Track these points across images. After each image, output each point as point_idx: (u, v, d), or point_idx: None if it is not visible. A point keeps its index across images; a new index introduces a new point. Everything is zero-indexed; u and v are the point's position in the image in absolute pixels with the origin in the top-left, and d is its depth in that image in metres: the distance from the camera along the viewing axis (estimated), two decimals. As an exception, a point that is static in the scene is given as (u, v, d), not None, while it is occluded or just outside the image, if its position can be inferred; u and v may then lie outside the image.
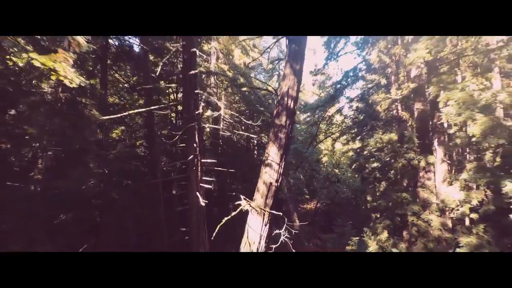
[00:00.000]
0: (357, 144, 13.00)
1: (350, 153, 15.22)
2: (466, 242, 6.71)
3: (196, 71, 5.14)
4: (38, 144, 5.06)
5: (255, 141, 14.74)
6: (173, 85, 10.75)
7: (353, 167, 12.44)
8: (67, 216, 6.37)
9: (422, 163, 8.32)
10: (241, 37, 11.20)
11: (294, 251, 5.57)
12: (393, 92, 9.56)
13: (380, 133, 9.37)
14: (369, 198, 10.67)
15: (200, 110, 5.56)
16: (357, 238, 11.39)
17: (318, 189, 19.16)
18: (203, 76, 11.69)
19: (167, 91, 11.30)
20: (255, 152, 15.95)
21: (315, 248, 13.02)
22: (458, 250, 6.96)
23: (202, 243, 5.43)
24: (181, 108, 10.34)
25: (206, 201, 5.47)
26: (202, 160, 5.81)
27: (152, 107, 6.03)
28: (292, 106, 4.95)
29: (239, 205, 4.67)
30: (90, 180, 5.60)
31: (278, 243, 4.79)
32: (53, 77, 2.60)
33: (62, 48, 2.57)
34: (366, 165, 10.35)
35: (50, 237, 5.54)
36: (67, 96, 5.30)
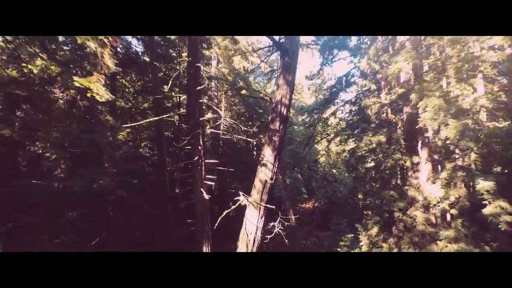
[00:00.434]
0: (350, 145, 13.66)
1: (344, 154, 15.86)
2: (445, 235, 7.39)
3: (201, 86, 5.80)
4: (60, 146, 5.71)
5: (254, 142, 15.39)
6: (177, 90, 11.43)
7: (346, 167, 13.06)
8: (82, 212, 7.04)
9: (408, 163, 9.00)
10: (241, 46, 11.81)
11: (286, 241, 6.27)
12: (383, 96, 10.21)
13: (370, 135, 10.03)
14: (360, 196, 11.33)
15: (205, 117, 6.23)
16: (352, 235, 12.03)
17: (316, 188, 19.78)
18: (206, 81, 12.34)
19: (169, 94, 11.96)
20: (254, 152, 16.61)
21: (312, 246, 13.61)
22: (438, 242, 7.63)
23: (206, 233, 6.10)
24: (185, 112, 11.01)
25: (210, 196, 6.15)
26: (206, 161, 6.48)
27: (163, 116, 6.66)
28: (285, 112, 5.61)
29: (238, 200, 5.34)
30: (104, 178, 6.25)
31: (272, 234, 5.48)
32: (88, 94, 3.25)
33: (97, 71, 3.20)
34: (358, 165, 11.01)
35: (69, 230, 6.22)
36: (85, 104, 5.96)
